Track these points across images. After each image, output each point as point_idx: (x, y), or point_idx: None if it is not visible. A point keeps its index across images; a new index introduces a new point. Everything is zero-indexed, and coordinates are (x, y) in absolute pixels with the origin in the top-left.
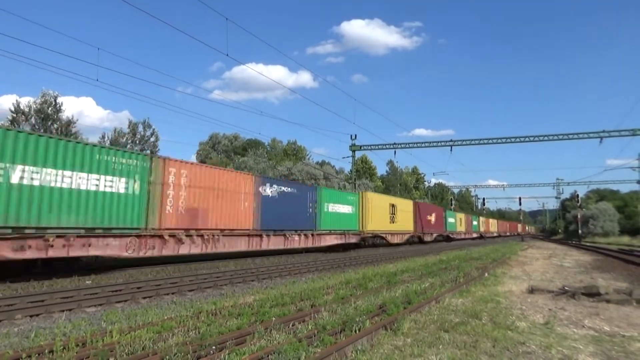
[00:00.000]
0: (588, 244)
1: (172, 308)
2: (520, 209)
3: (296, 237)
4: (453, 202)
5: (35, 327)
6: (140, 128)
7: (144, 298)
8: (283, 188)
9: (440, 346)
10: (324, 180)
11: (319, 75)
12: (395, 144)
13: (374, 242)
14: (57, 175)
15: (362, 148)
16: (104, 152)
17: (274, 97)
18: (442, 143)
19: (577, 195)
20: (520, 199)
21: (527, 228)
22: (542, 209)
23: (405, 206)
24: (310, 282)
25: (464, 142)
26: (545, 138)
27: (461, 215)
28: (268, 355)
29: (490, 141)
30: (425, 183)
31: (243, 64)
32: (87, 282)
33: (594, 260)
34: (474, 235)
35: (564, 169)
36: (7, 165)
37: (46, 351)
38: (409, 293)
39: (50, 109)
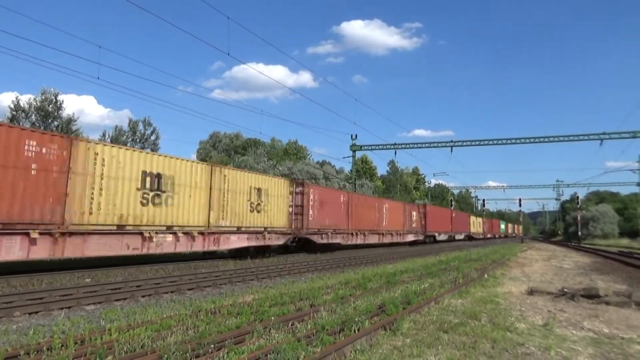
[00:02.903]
0: (587, 245)
1: (171, 306)
2: (520, 210)
3: None
4: (453, 202)
5: (33, 325)
6: (141, 126)
7: (143, 296)
8: None
9: (440, 347)
10: (324, 179)
11: (319, 75)
12: (395, 144)
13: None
14: None
15: (362, 148)
16: None
17: (274, 97)
18: (443, 144)
19: (577, 197)
20: (520, 200)
21: (505, 227)
22: (542, 210)
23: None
24: (309, 281)
25: (464, 143)
26: (546, 139)
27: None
28: (267, 355)
29: (490, 142)
30: (426, 184)
31: (244, 63)
32: (86, 280)
33: (593, 262)
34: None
35: (564, 171)
36: None
37: (44, 348)
38: (408, 293)
39: (50, 106)
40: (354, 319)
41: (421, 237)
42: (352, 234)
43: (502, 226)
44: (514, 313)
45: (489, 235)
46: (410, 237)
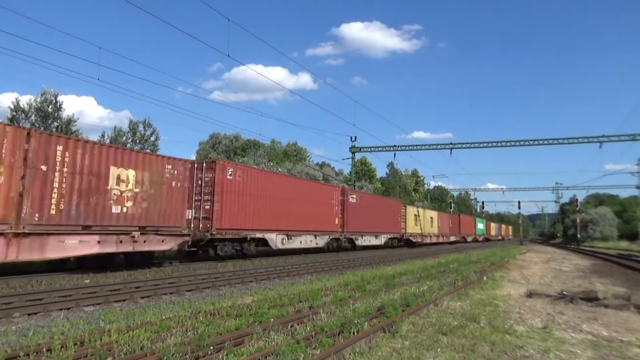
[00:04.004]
0: (587, 248)
1: (170, 308)
2: (519, 213)
3: None
4: (452, 204)
5: (33, 326)
6: (141, 127)
7: (142, 298)
8: None
9: (439, 349)
10: (323, 181)
11: (319, 77)
12: (395, 146)
13: None
14: None
15: (362, 150)
16: None
17: (274, 99)
18: (442, 146)
19: (576, 200)
20: (519, 202)
21: (486, 227)
22: (541, 213)
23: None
24: (308, 283)
25: (464, 145)
26: (545, 142)
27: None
28: (266, 357)
29: (489, 144)
30: (425, 186)
31: (243, 64)
32: (85, 281)
33: (593, 264)
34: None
35: (563, 173)
36: None
37: (44, 350)
38: (407, 296)
39: (50, 107)
40: (353, 321)
41: (185, 239)
42: None
43: (480, 226)
44: (513, 316)
45: (452, 238)
46: (166, 244)
